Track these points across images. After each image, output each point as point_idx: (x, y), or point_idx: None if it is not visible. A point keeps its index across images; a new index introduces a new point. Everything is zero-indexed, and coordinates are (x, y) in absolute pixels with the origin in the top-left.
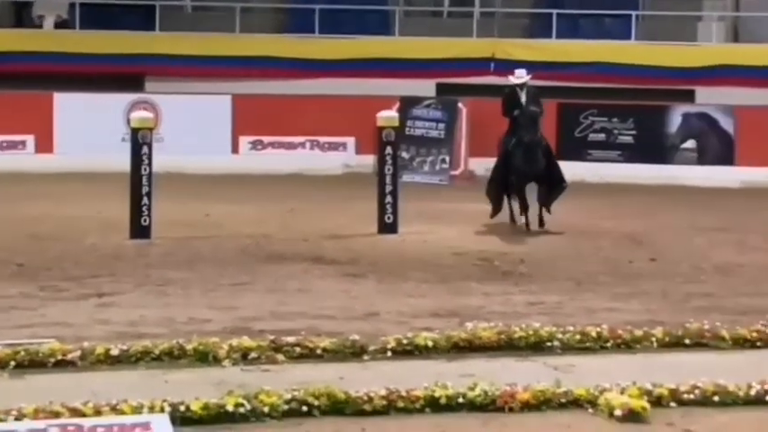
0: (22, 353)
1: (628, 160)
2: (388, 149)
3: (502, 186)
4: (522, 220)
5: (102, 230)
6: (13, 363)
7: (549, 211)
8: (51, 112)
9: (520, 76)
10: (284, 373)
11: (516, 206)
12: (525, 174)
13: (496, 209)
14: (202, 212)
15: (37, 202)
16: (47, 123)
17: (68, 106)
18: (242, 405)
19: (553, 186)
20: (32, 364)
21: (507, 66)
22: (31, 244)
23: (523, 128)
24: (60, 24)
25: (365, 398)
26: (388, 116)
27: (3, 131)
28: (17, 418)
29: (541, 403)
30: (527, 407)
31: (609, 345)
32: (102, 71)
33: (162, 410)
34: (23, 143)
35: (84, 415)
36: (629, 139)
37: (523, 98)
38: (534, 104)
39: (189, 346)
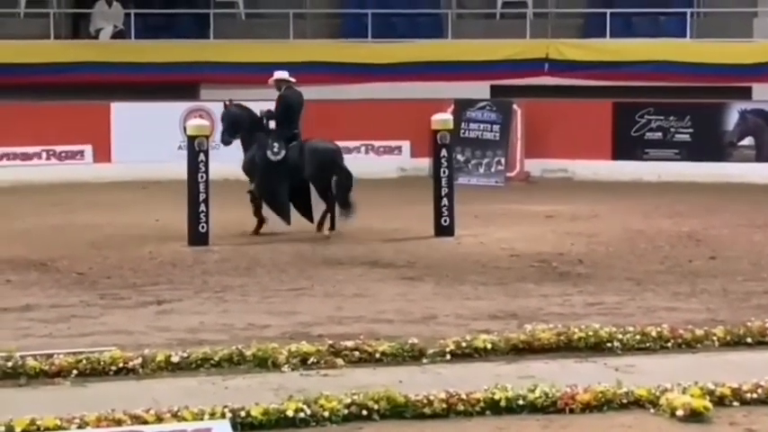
0: (84, 361)
1: (685, 158)
2: (444, 152)
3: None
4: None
5: (161, 238)
6: (74, 371)
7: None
8: (109, 121)
9: (273, 79)
10: (343, 378)
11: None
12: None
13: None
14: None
15: (95, 211)
16: (104, 133)
17: (125, 115)
18: (302, 410)
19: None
20: (94, 372)
21: (562, 66)
22: (90, 252)
23: None
24: (116, 35)
25: (425, 401)
26: (443, 119)
27: (61, 141)
28: (80, 427)
29: (602, 404)
30: (588, 408)
31: (669, 344)
32: (157, 80)
33: (223, 416)
34: (82, 153)
35: (145, 422)
36: (686, 138)
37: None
38: (276, 109)
39: (248, 352)
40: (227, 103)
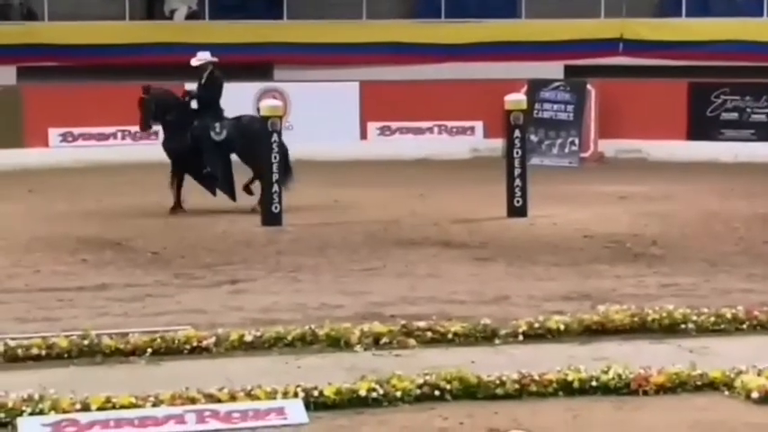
0: (159, 340)
1: (761, 139)
2: (517, 133)
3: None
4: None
5: (234, 218)
6: (149, 350)
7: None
8: None
9: (199, 59)
10: (415, 358)
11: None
12: (169, 154)
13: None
14: (332, 198)
15: (169, 191)
16: None
17: None
18: (374, 390)
19: (201, 176)
20: (168, 351)
21: (636, 46)
22: (165, 232)
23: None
24: (191, 16)
25: (497, 382)
26: (516, 99)
27: (136, 122)
28: (154, 404)
29: (676, 386)
30: (662, 390)
31: (744, 326)
32: (231, 61)
33: (295, 395)
34: (156, 133)
35: (219, 401)
36: (762, 118)
37: (203, 81)
38: (207, 89)
39: (321, 332)
40: (148, 87)
